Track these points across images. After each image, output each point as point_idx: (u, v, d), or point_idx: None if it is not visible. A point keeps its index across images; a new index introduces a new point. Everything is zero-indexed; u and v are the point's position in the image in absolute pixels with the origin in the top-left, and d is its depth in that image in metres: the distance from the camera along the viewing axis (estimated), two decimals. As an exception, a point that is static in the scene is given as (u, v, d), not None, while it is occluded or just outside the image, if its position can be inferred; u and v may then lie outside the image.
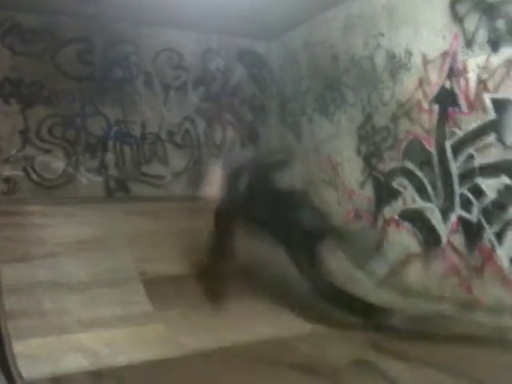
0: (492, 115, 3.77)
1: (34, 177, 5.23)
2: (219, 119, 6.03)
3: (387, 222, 4.71)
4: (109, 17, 5.30)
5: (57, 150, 5.34)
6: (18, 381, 2.78)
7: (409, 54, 4.43)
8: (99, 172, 5.45)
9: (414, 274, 4.38)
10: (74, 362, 3.12)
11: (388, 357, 3.04)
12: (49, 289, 3.86)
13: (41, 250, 4.08)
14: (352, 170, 5.09)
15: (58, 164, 5.31)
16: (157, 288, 4.05)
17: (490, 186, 3.81)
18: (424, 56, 4.29)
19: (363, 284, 4.34)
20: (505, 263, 3.72)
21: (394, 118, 4.61)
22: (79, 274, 4.04)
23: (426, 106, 4.30)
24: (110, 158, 5.51)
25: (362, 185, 4.98)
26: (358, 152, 5.03)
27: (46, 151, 5.30)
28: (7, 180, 5.08)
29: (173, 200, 5.09)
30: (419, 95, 4.35)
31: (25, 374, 2.85)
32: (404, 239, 4.54)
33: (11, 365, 2.98)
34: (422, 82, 4.33)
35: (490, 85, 3.76)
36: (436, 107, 4.22)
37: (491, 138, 3.79)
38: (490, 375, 2.76)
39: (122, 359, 3.15)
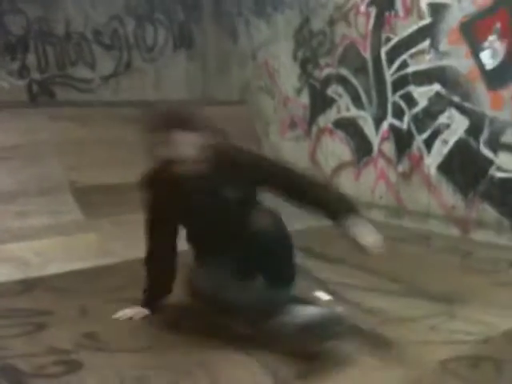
0: (427, 20, 3.75)
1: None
2: (150, 19, 5.68)
3: (321, 131, 4.73)
4: None
5: (-27, 51, 4.91)
6: None
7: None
8: (21, 75, 5.09)
9: (346, 182, 4.47)
10: (4, 272, 3.06)
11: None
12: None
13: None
14: (288, 76, 5.00)
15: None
16: (87, 197, 3.95)
17: (422, 94, 3.87)
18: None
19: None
20: (432, 171, 3.86)
21: (331, 22, 4.49)
22: (5, 183, 3.86)
23: (363, 8, 4.21)
24: (31, 59, 5.12)
25: (299, 92, 4.92)
26: (295, 57, 4.92)
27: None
28: None
29: (102, 105, 4.86)
30: (357, -3, 4.24)
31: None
32: (337, 148, 4.59)
33: None
34: (360, -16, 4.21)
35: (428, -12, 3.71)
36: (373, 10, 4.14)
37: (425, 43, 3.79)
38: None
39: (52, 268, 3.12)
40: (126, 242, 3.33)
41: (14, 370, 1.96)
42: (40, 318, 2.46)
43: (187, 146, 2.13)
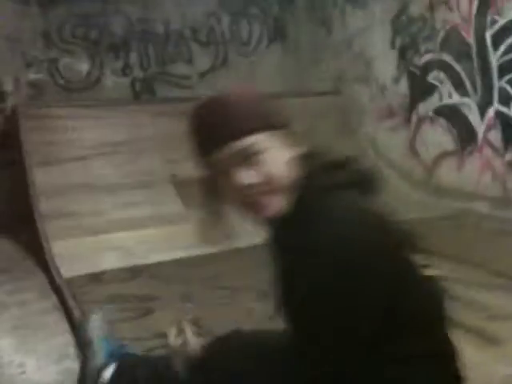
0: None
1: (60, 80, 5.17)
2: (244, 14, 5.75)
3: (421, 119, 4.56)
4: None
5: (80, 52, 5.22)
6: (58, 280, 2.90)
7: None
8: (124, 73, 5.35)
9: (448, 172, 4.29)
10: (110, 260, 3.23)
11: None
12: (82, 191, 3.92)
13: (71, 153, 4.10)
14: (386, 64, 4.87)
15: (82, 66, 5.22)
16: (187, 189, 4.06)
17: (532, 78, 3.62)
18: None
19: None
20: (543, 158, 3.61)
21: (432, 7, 4.31)
22: (111, 176, 4.08)
23: (467, -11, 4.00)
24: (133, 58, 5.38)
25: (397, 80, 4.77)
26: (393, 45, 4.78)
27: (70, 53, 5.20)
28: (33, 84, 5.02)
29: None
30: (459, -21, 4.04)
31: (64, 273, 2.97)
32: (438, 137, 4.41)
33: (50, 265, 3.10)
34: (462, -35, 4.00)
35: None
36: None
37: (537, 25, 3.54)
38: None
39: (156, 256, 3.25)
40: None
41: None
42: (146, 303, 2.57)
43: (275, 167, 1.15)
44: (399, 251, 1.15)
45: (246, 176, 1.13)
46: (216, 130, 1.16)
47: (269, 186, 1.13)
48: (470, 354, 1.87)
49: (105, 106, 4.50)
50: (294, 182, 1.15)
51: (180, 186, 4.13)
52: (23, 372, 2.02)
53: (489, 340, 2.02)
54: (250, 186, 1.13)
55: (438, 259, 3.00)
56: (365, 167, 1.22)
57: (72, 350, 2.14)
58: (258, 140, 1.14)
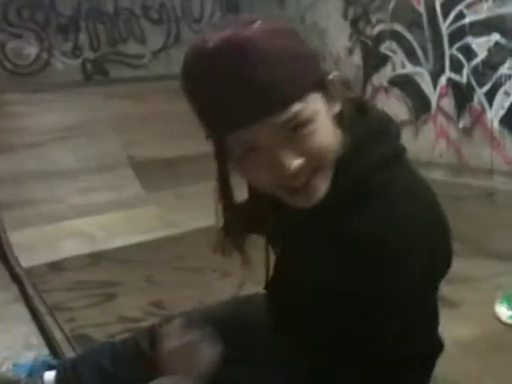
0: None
1: (8, 65, 5.00)
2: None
3: (376, 90, 4.60)
4: None
5: (27, 35, 5.05)
6: (17, 270, 2.85)
7: None
8: (74, 55, 5.20)
9: (405, 141, 4.34)
10: (71, 247, 3.18)
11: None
12: (39, 178, 3.84)
13: (25, 139, 4.00)
14: (339, 36, 4.87)
15: (30, 49, 5.05)
16: (147, 171, 4.04)
17: (481, 45, 3.68)
18: None
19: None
20: (494, 124, 3.70)
21: (382, -23, 4.33)
22: (68, 161, 4.01)
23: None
24: (83, 39, 5.23)
25: (350, 51, 4.79)
26: (345, 16, 4.78)
27: (17, 37, 5.02)
28: (-21, 69, 4.86)
29: (155, 80, 4.91)
30: None
31: (23, 263, 2.92)
32: (393, 107, 4.46)
33: (9, 255, 3.04)
34: None
35: None
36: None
37: (483, -9, 3.59)
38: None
39: (118, 241, 3.22)
40: (188, 213, 3.40)
41: (87, 339, 2.05)
42: (109, 288, 2.55)
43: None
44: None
45: (292, 157, 0.83)
46: (245, 96, 0.79)
47: (319, 163, 0.86)
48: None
49: (56, 89, 4.39)
50: (341, 153, 0.88)
51: (138, 167, 4.09)
52: (-14, 364, 2.00)
53: (445, 303, 2.08)
54: (299, 170, 0.84)
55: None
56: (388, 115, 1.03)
57: (35, 339, 2.12)
58: (307, 105, 0.83)
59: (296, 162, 0.83)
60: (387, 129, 0.98)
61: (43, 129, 4.15)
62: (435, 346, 1.12)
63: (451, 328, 1.87)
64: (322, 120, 0.85)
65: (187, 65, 0.85)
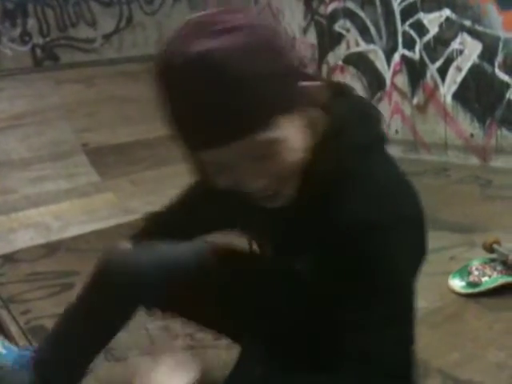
0: None
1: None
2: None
3: (332, 69, 4.61)
4: None
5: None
6: (-32, 263, 2.76)
7: None
8: (23, 40, 5.03)
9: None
10: (25, 238, 3.11)
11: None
12: (-11, 168, 3.73)
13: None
14: (293, 15, 4.85)
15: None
16: (102, 158, 3.97)
17: (432, 21, 3.72)
18: None
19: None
20: (448, 100, 3.75)
21: (333, -45, 4.31)
22: (19, 150, 3.89)
23: None
24: (32, 24, 5.05)
25: (305, 31, 4.78)
26: (299, -5, 4.76)
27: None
28: None
29: (107, 64, 4.80)
30: None
31: (-25, 256, 2.84)
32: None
33: (-40, 248, 2.95)
34: None
35: None
36: None
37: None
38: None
39: (73, 230, 3.17)
40: (145, 198, 3.35)
41: (43, 330, 2.00)
42: (66, 278, 2.51)
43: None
44: None
45: (257, 179, 0.83)
46: (213, 120, 0.76)
47: (285, 178, 0.86)
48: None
49: (5, 76, 4.24)
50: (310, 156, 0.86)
51: (93, 154, 4.01)
52: None
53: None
54: (265, 186, 0.85)
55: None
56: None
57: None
58: (275, 131, 0.80)
59: (260, 183, 0.84)
60: (369, 113, 0.96)
61: (-9, 118, 4.02)
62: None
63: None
64: (289, 139, 0.82)
65: (156, 77, 0.81)
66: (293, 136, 0.82)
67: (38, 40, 5.08)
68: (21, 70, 4.69)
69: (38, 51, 5.09)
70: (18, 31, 5.02)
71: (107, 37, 5.33)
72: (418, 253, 1.00)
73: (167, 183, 3.58)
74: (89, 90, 4.33)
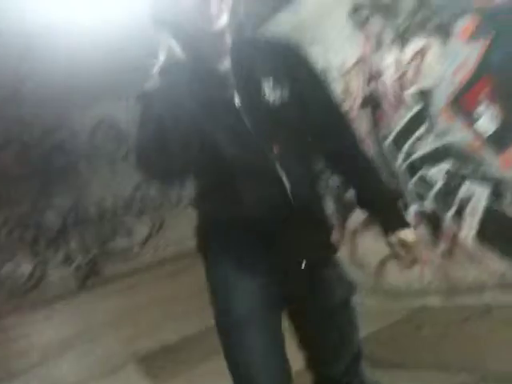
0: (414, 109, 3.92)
1: (5, 286, 5.17)
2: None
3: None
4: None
5: (20, 253, 5.28)
6: None
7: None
8: (66, 263, 5.40)
9: (392, 275, 4.43)
10: None
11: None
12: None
13: (26, 362, 4.04)
14: None
15: (25, 267, 5.26)
16: (153, 362, 4.03)
17: (435, 174, 3.92)
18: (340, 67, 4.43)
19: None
20: (469, 242, 3.81)
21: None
22: (72, 373, 4.00)
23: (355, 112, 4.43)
24: (73, 245, 5.46)
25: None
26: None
27: (10, 257, 5.25)
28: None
29: (146, 271, 5.08)
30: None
31: None
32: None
33: None
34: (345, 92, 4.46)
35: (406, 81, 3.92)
36: (367, 111, 4.34)
37: (422, 129, 3.92)
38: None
39: None
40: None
41: None
42: None
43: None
44: None
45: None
46: None
47: None
48: None
49: (52, 302, 4.51)
50: None
51: (143, 361, 4.08)
52: None
53: None
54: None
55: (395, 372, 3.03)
56: None
57: None
58: None
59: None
60: None
61: (42, 347, 4.20)
62: None
63: None
64: None
65: None
66: None
67: (81, 259, 5.44)
68: (67, 291, 4.99)
69: (81, 270, 5.42)
70: (61, 255, 5.41)
71: (142, 244, 5.67)
72: None
73: (223, 374, 3.59)
74: (131, 298, 4.54)
